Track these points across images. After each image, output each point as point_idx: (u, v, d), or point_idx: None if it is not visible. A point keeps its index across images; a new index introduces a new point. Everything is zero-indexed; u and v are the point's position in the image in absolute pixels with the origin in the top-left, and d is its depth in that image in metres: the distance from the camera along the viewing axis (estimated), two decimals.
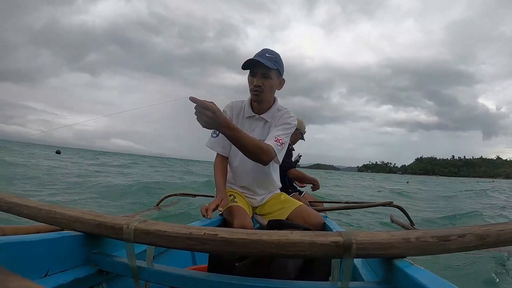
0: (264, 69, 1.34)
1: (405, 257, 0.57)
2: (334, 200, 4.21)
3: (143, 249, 0.72)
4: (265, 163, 1.31)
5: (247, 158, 1.40)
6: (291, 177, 2.77)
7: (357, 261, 0.76)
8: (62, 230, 0.71)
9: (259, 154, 1.24)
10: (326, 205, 3.15)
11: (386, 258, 0.59)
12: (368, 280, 0.67)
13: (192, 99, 0.99)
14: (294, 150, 3.11)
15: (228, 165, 1.55)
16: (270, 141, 1.31)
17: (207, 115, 1.01)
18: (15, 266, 0.56)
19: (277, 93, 1.52)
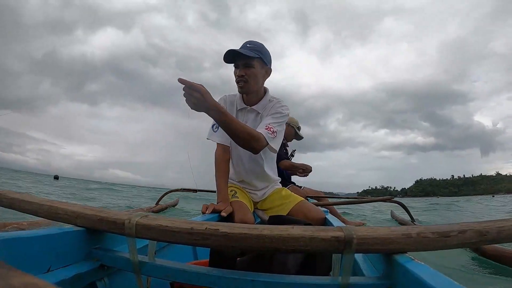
0: (245, 59, 1.34)
1: (405, 252, 0.57)
2: (334, 195, 4.22)
3: (145, 244, 0.72)
4: (256, 151, 1.30)
5: (241, 151, 1.42)
6: (283, 168, 2.78)
7: (358, 256, 0.76)
8: (64, 225, 0.71)
9: (249, 141, 1.23)
10: (326, 200, 3.16)
11: (386, 253, 0.60)
12: (369, 275, 0.68)
13: (181, 81, 1.00)
14: (288, 146, 3.11)
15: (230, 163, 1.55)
16: (261, 129, 1.31)
17: (195, 96, 1.01)
18: (17, 262, 0.56)
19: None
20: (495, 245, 1.92)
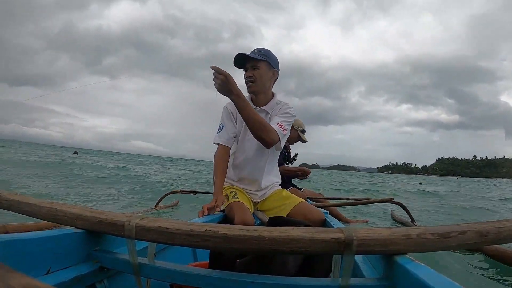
0: (252, 62, 1.47)
1: (405, 253, 0.57)
2: (334, 197, 4.21)
3: (145, 246, 0.72)
4: (268, 143, 1.39)
5: (248, 145, 1.51)
6: None
7: (358, 258, 0.76)
8: (64, 227, 0.71)
9: (263, 131, 1.34)
10: (326, 202, 3.15)
11: (386, 254, 0.59)
12: (369, 277, 0.68)
13: (212, 67, 1.23)
14: (291, 149, 3.11)
15: (229, 162, 1.58)
16: (273, 126, 1.40)
17: (220, 78, 1.22)
18: (17, 264, 0.56)
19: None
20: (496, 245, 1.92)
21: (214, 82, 1.25)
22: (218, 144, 1.51)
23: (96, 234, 0.71)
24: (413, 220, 3.19)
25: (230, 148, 1.53)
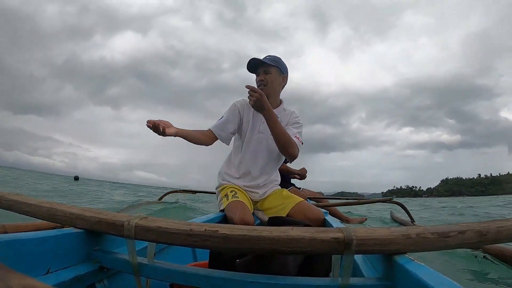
0: (265, 67, 1.57)
1: (405, 253, 0.57)
2: (334, 196, 4.21)
3: (144, 245, 0.72)
4: (292, 157, 1.48)
5: (257, 147, 1.58)
6: (279, 170, 2.81)
7: (358, 257, 0.76)
8: (63, 227, 0.71)
9: (289, 146, 1.43)
10: (326, 201, 3.16)
11: (386, 254, 0.59)
12: (369, 276, 0.68)
13: (247, 86, 1.36)
14: None
15: (232, 160, 1.66)
16: (292, 138, 1.47)
17: (256, 96, 1.34)
18: (17, 264, 0.56)
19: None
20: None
21: (249, 99, 1.39)
22: (209, 129, 1.56)
23: (96, 234, 0.71)
24: (412, 220, 3.20)
25: (216, 138, 1.56)
